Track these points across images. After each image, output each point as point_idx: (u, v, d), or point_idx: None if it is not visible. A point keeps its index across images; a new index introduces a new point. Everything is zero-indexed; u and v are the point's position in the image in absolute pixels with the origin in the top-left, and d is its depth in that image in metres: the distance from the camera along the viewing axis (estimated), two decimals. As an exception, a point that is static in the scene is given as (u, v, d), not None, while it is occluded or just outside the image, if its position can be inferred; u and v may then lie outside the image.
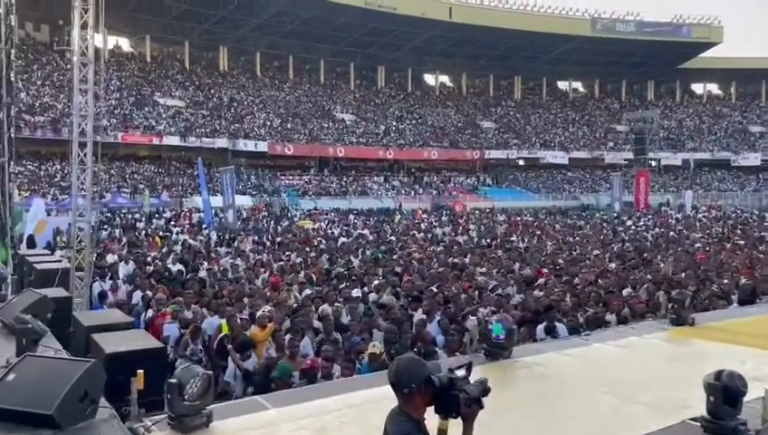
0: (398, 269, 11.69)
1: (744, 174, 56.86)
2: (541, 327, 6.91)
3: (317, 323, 7.28)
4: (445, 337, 6.57)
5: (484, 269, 11.46)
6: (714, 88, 68.15)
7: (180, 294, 8.58)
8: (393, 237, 19.54)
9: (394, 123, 53.71)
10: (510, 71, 62.15)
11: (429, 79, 63.86)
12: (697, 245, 17.15)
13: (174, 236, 19.58)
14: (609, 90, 66.90)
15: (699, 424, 2.80)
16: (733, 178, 56.79)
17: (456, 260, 13.15)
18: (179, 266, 12.08)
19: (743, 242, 17.79)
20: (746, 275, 10.71)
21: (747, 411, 2.78)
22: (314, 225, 24.35)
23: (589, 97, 66.76)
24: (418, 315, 7.39)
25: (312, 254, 14.39)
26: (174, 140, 41.19)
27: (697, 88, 68.23)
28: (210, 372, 3.27)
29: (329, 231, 22.05)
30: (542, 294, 8.83)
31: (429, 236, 20.49)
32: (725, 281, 9.67)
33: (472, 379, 2.21)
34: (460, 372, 2.20)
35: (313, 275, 10.84)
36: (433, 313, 7.33)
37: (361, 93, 57.03)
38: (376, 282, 9.85)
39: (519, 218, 29.66)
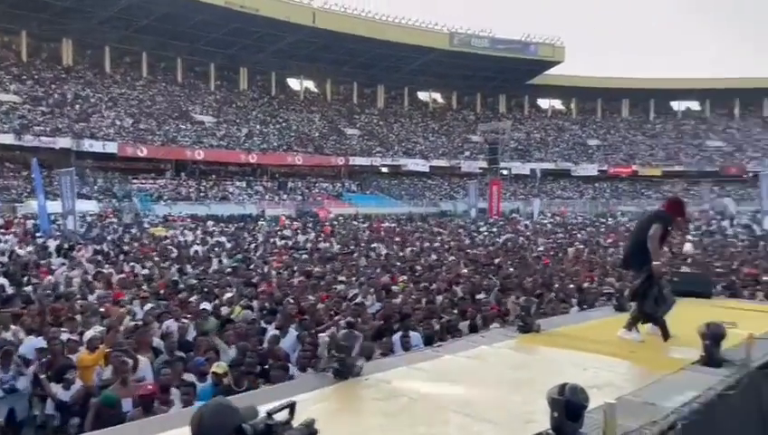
0: (255, 280, 11.15)
1: (583, 183, 62.32)
2: (396, 336, 6.84)
3: (158, 342, 6.63)
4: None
5: (344, 278, 11.26)
6: (557, 103, 74.25)
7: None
8: (252, 245, 18.83)
9: (257, 127, 52.46)
10: (373, 79, 63.28)
11: (294, 83, 63.26)
12: (540, 249, 18.28)
13: (1, 245, 17.43)
14: (465, 102, 70.41)
15: (543, 441, 2.72)
16: (573, 187, 62.00)
17: (317, 268, 12.84)
18: (2, 280, 10.65)
19: (582, 247, 19.24)
20: (587, 279, 11.46)
21: (588, 423, 2.75)
22: (168, 232, 22.90)
23: (447, 108, 69.78)
24: (272, 330, 7.01)
25: (164, 264, 13.40)
26: (7, 139, 37.02)
27: (543, 103, 73.92)
28: None
29: (181, 239, 20.77)
30: (399, 301, 8.81)
31: (292, 243, 20.05)
32: (571, 286, 10.26)
33: (297, 420, 1.91)
34: (280, 416, 1.87)
35: (159, 288, 10.02)
36: (287, 326, 6.97)
37: (222, 95, 55.10)
38: (229, 294, 9.28)
39: (382, 224, 30.05)
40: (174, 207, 37.11)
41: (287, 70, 59.96)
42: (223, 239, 20.45)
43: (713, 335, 4.21)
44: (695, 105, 73.35)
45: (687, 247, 16.14)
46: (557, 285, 10.41)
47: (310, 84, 64.06)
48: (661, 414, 3.17)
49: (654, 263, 5.16)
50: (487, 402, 3.43)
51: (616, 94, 70.21)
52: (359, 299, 8.86)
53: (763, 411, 4.27)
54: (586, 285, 10.50)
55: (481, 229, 28.00)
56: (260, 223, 30.37)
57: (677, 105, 73.73)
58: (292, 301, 8.44)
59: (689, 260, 14.83)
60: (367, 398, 3.52)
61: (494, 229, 28.35)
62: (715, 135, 68.45)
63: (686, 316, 5.70)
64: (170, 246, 17.57)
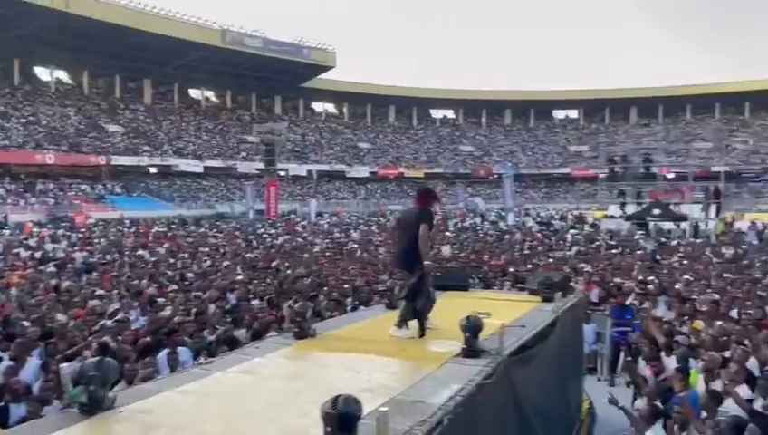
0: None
1: (356, 184, 65.25)
2: (163, 354, 6.26)
3: None
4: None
5: (102, 291, 10.10)
6: (330, 107, 76.69)
7: None
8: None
9: (-4, 120, 45.39)
10: (139, 73, 58.89)
11: (42, 73, 55.97)
12: (317, 250, 18.55)
13: None
14: (240, 101, 69.08)
15: (317, 458, 2.58)
16: (347, 188, 64.58)
17: (68, 282, 11.35)
18: None
19: (356, 246, 19.97)
20: (361, 277, 11.82)
21: (362, 431, 2.67)
22: None
23: (221, 107, 67.76)
24: (6, 360, 5.93)
25: None
26: None
27: (317, 106, 75.82)
28: None
29: None
30: (167, 313, 8.13)
31: (40, 254, 17.55)
32: (345, 286, 10.46)
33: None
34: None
35: None
36: (25, 354, 5.94)
37: (-49, 83, 46.64)
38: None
39: (151, 229, 27.92)
40: None
41: (34, 57, 52.82)
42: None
43: (472, 327, 4.48)
44: (450, 113, 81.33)
45: (445, 250, 17.62)
46: (333, 285, 10.56)
47: (62, 75, 57.26)
48: (430, 411, 3.24)
49: (426, 263, 5.38)
50: (259, 422, 3.19)
51: (383, 101, 74.92)
52: (120, 315, 7.96)
53: (515, 394, 4.68)
54: (359, 283, 10.80)
55: (259, 231, 27.57)
56: (3, 231, 26.25)
57: (436, 113, 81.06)
58: (32, 322, 7.25)
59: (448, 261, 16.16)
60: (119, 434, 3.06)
61: (272, 231, 28.13)
62: (468, 141, 76.63)
63: (449, 310, 6.10)
64: None
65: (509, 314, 6.25)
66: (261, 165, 51.19)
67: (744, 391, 5.48)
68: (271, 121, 60.85)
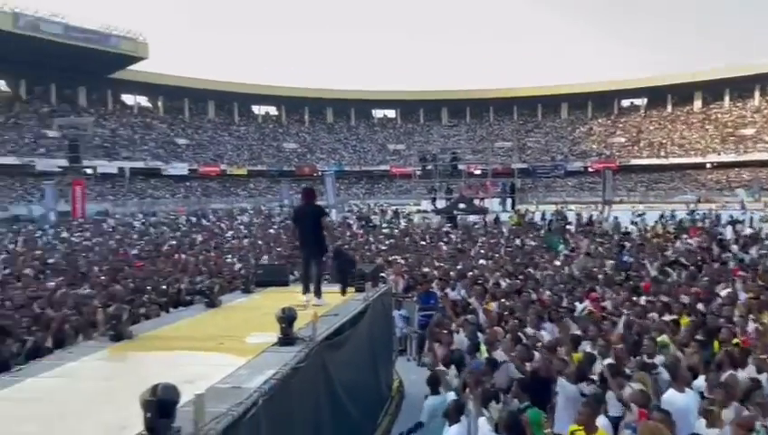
0: None
1: (175, 182, 62.31)
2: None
3: None
4: None
5: None
6: (144, 100, 72.18)
7: None
8: None
9: None
10: None
11: None
12: (134, 252, 17.76)
13: None
14: (37, 92, 62.30)
15: (138, 442, 2.83)
16: (165, 186, 61.42)
17: None
18: None
19: (175, 244, 19.37)
20: (180, 280, 11.66)
21: (181, 417, 2.94)
22: None
23: (15, 98, 60.62)
24: None
25: None
26: None
27: (129, 99, 70.99)
28: None
29: None
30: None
31: None
32: (163, 287, 10.31)
33: None
34: None
35: None
36: None
37: None
38: None
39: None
40: None
41: None
42: None
43: (287, 318, 4.92)
44: (273, 110, 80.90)
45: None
46: (150, 288, 10.35)
47: None
48: (245, 395, 3.59)
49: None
50: (76, 419, 3.32)
51: (202, 95, 72.26)
52: None
53: (327, 376, 5.21)
54: (179, 284, 10.71)
55: (63, 235, 25.40)
56: None
57: (258, 109, 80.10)
58: None
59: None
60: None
61: (81, 233, 26.08)
62: (291, 138, 76.86)
63: (268, 304, 6.48)
64: None
65: (326, 305, 6.83)
66: (64, 162, 46.71)
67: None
68: (74, 114, 55.89)
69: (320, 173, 60.91)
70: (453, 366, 6.72)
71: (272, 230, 26.25)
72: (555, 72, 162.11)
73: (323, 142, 77.32)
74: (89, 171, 49.92)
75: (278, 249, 17.83)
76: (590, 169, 66.18)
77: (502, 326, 8.10)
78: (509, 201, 33.90)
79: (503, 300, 9.68)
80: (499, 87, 77.77)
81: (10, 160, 50.76)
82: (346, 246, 18.16)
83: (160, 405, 2.85)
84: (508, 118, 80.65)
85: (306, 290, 7.21)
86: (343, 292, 7.64)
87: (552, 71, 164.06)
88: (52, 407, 3.52)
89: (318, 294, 7.14)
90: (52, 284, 11.28)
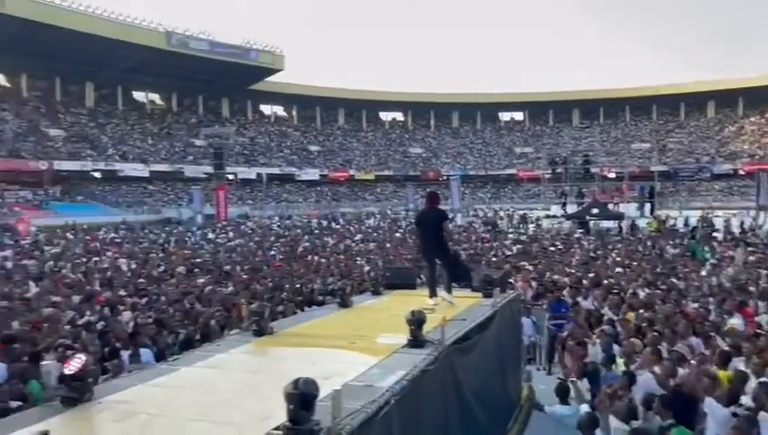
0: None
1: (307, 187, 65.26)
2: (125, 355, 6.54)
3: None
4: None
5: (58, 298, 10.16)
6: (279, 110, 76.31)
7: None
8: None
9: (-74, 125, 43.48)
10: (80, 75, 57.26)
11: (-23, 76, 53.86)
12: (271, 253, 18.81)
13: None
14: (186, 104, 68.00)
15: (281, 432, 3.00)
16: (298, 191, 64.51)
17: (20, 290, 11.33)
18: None
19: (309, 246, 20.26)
20: (313, 280, 12.19)
21: (320, 411, 3.08)
22: None
23: (167, 110, 66.59)
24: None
25: None
26: None
27: (266, 109, 75.36)
28: None
29: None
30: (128, 317, 8.35)
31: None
32: (298, 286, 10.84)
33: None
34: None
35: None
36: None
37: None
38: None
39: (97, 236, 27.44)
40: None
41: (-31, 60, 50.81)
42: None
43: (416, 321, 4.98)
44: (399, 116, 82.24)
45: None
46: (288, 286, 10.92)
47: (-1, 78, 55.28)
48: (378, 394, 3.70)
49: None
50: (227, 407, 3.59)
51: (332, 103, 75.06)
52: (84, 319, 8.15)
53: (456, 379, 5.21)
54: (312, 285, 11.19)
55: (209, 236, 27.50)
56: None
57: (385, 115, 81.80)
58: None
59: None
60: (102, 422, 3.41)
61: (224, 234, 28.10)
62: (416, 143, 77.67)
63: (397, 307, 6.60)
64: None
65: (452, 308, 6.82)
66: (209, 169, 50.68)
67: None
68: (218, 125, 60.32)
69: (445, 177, 60.91)
70: (585, 379, 6.45)
71: (398, 234, 26.68)
72: (698, 69, 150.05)
73: (449, 147, 77.34)
74: (231, 177, 53.66)
75: (404, 253, 18.08)
76: (740, 172, 60.59)
77: (640, 339, 7.64)
78: (647, 206, 31.86)
79: (641, 311, 9.12)
80: (636, 85, 73.45)
81: (163, 167, 55.81)
82: (471, 251, 18.05)
83: (302, 398, 3.00)
84: (646, 117, 75.96)
85: (433, 294, 7.25)
86: (447, 292, 7.54)
87: (694, 68, 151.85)
88: (205, 395, 3.83)
89: (448, 290, 7.31)
90: (201, 281, 12.26)
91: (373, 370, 4.32)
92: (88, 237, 26.36)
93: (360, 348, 5.04)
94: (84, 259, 17.63)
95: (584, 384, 6.39)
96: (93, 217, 40.39)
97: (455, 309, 6.88)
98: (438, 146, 77.44)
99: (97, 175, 52.08)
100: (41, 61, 52.46)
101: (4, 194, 43.88)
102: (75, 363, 3.59)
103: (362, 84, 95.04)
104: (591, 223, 28.69)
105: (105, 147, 54.10)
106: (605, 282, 12.14)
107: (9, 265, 16.38)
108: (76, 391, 3.53)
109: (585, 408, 5.57)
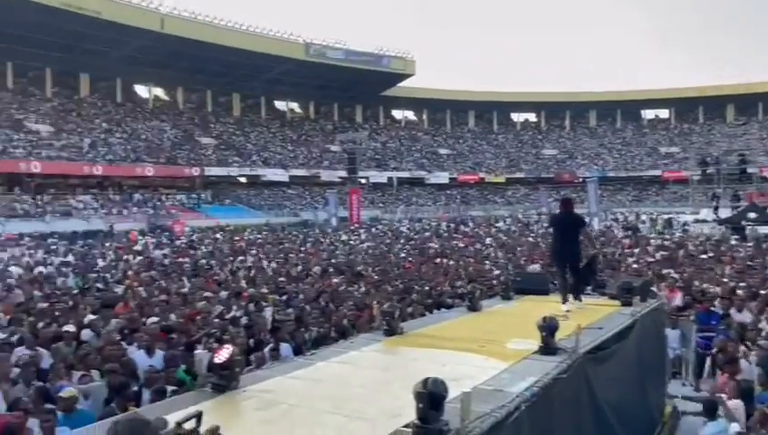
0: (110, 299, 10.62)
1: (436, 190, 65.53)
2: (266, 349, 6.97)
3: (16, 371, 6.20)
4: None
5: (209, 293, 11.07)
6: (410, 114, 77.39)
7: None
8: (102, 263, 17.76)
9: (101, 136, 49.11)
10: (228, 87, 61.87)
11: (141, 90, 59.99)
12: (402, 255, 19.11)
13: None
14: (322, 111, 71.07)
15: (410, 430, 3.06)
16: (427, 194, 64.97)
17: (177, 285, 12.47)
18: None
19: (438, 249, 20.34)
20: (442, 283, 12.25)
21: (449, 412, 3.11)
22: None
23: (305, 117, 70.01)
24: (135, 351, 6.84)
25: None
26: None
27: (397, 114, 76.75)
28: None
29: (23, 260, 19.01)
30: (271, 313, 8.91)
31: (146, 259, 19.12)
32: (427, 288, 10.94)
33: (203, 428, 2.10)
34: (189, 425, 2.06)
35: (4, 314, 9.25)
36: (153, 347, 6.83)
37: (60, 102, 50.91)
38: (91, 317, 8.80)
39: (243, 237, 29.49)
40: (8, 225, 33.69)
41: (134, 76, 56.79)
42: (70, 258, 19.03)
43: (548, 327, 4.85)
44: (532, 117, 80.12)
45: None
46: (417, 288, 11.07)
47: (159, 92, 61.17)
48: (508, 399, 3.65)
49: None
50: (360, 402, 3.73)
51: (463, 106, 74.83)
52: (231, 314, 8.83)
53: (591, 390, 5.00)
54: (441, 287, 11.24)
55: (342, 238, 28.53)
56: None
57: (517, 117, 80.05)
58: (155, 320, 8.22)
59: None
60: (247, 409, 3.69)
61: (357, 236, 29.02)
62: (550, 144, 75.20)
63: (528, 313, 6.46)
64: (12, 268, 16.06)
65: (587, 316, 6.54)
66: (343, 173, 52.64)
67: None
68: (352, 130, 62.37)
69: (581, 179, 58.40)
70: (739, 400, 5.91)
71: (530, 238, 26.02)
72: None
73: (585, 147, 74.03)
74: (363, 181, 55.30)
75: (536, 258, 17.58)
76: None
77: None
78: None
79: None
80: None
81: (301, 172, 58.74)
82: (608, 257, 17.18)
83: (431, 397, 3.05)
84: (815, 112, 67.90)
85: (566, 300, 7.09)
86: (574, 297, 7.40)
87: None
88: (340, 389, 4.01)
89: (577, 297, 7.26)
90: (335, 281, 12.77)
91: (503, 374, 4.28)
92: (236, 238, 28.40)
93: (489, 352, 5.01)
94: (231, 258, 19.01)
95: (738, 403, 5.85)
96: (239, 219, 43.47)
97: (590, 317, 6.59)
98: (574, 147, 74.42)
99: (242, 180, 55.96)
100: (194, 75, 57.49)
101: (162, 198, 48.52)
102: (224, 353, 3.92)
103: (493, 86, 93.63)
104: (748, 228, 26.15)
105: (249, 153, 57.98)
106: (762, 292, 11.01)
107: (167, 262, 18.13)
108: (225, 379, 3.85)
109: (735, 428, 5.10)
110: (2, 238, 28.08)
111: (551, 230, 8.29)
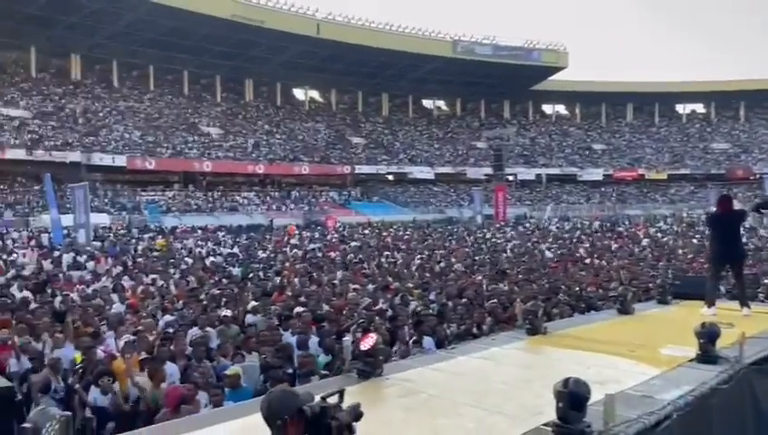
0: (270, 288, 11.51)
1: (589, 188, 62.48)
2: (410, 341, 7.17)
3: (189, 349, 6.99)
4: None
5: (357, 286, 11.59)
6: (561, 108, 74.44)
7: (28, 323, 7.85)
8: (263, 254, 19.23)
9: (264, 137, 53.03)
10: (378, 88, 63.69)
11: (299, 93, 63.83)
12: (549, 255, 18.54)
13: (20, 258, 17.87)
14: (469, 108, 70.68)
15: (550, 429, 3.04)
16: (579, 192, 62.16)
17: (328, 277, 13.19)
18: (26, 293, 11.04)
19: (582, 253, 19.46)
20: (591, 284, 11.74)
21: (591, 414, 3.04)
22: (165, 243, 23.26)
23: (451, 115, 70.12)
24: (289, 337, 7.37)
25: (177, 275, 13.80)
26: (19, 154, 37.65)
27: (547, 108, 74.17)
28: (69, 414, 3.01)
29: (196, 250, 21.18)
30: (414, 307, 9.14)
31: (302, 252, 20.39)
32: (576, 289, 10.56)
33: (345, 404, 2.28)
34: (332, 400, 2.25)
35: (178, 298, 10.40)
36: (308, 333, 7.33)
37: (228, 106, 55.74)
38: (254, 303, 9.65)
39: (389, 233, 30.31)
40: (183, 219, 37.64)
41: (292, 80, 60.55)
42: (236, 250, 20.86)
43: (708, 334, 4.51)
44: (699, 108, 73.51)
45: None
46: (563, 289, 10.72)
47: (315, 94, 64.66)
48: (658, 406, 3.47)
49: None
50: (499, 398, 3.75)
51: (620, 98, 70.50)
52: (379, 306, 9.21)
53: (756, 402, 4.57)
54: (590, 289, 10.79)
55: (487, 236, 28.26)
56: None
57: (682, 108, 73.84)
58: (308, 309, 8.79)
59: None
60: (389, 395, 3.86)
61: (500, 235, 28.61)
62: (721, 137, 68.53)
63: (687, 318, 6.03)
64: (187, 257, 17.99)
65: (755, 325, 5.96)
66: (489, 170, 52.06)
67: None
68: (500, 126, 61.43)
69: (757, 175, 52.60)
70: None
71: (694, 240, 23.97)
72: None
73: (763, 140, 66.42)
74: (510, 178, 54.28)
75: (701, 260, 16.19)
76: None
77: None
78: None
79: None
80: None
81: (446, 169, 58.95)
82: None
83: (572, 397, 2.99)
84: None
85: (711, 304, 6.69)
86: (742, 305, 6.80)
87: None
88: (480, 384, 4.06)
89: (745, 304, 6.78)
90: (479, 278, 12.74)
91: (654, 380, 4.07)
92: (384, 234, 29.27)
93: (639, 357, 4.78)
94: (378, 253, 19.66)
95: None
96: (386, 216, 44.78)
97: (760, 326, 6.00)
98: (749, 140, 67.14)
99: (390, 177, 57.46)
100: (347, 77, 59.98)
101: (316, 195, 51.32)
102: (369, 341, 4.13)
103: (654, 77, 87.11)
104: None
105: (397, 152, 59.37)
106: None
107: (320, 255, 19.20)
108: (369, 366, 4.06)
109: None
110: (179, 231, 31.47)
111: (713, 229, 7.71)
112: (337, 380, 4.29)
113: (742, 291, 7.04)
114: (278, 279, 12.84)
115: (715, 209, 8.16)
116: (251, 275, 13.83)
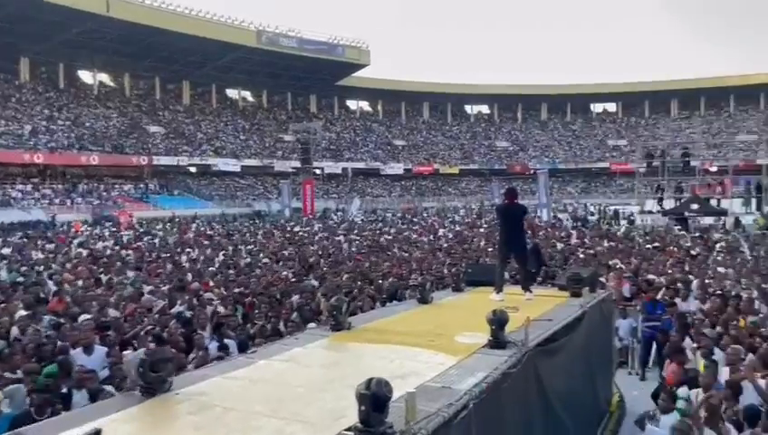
0: (42, 295, 10.08)
1: (391, 181, 65.51)
2: (213, 346, 6.68)
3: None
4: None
5: (151, 287, 10.63)
6: (365, 105, 76.97)
7: None
8: (41, 256, 16.95)
9: (43, 123, 47.08)
10: (177, 74, 60.15)
11: (86, 76, 57.76)
12: (353, 249, 18.89)
13: None
14: (276, 101, 69.91)
15: (352, 434, 2.89)
16: (382, 185, 64.89)
17: (117, 278, 11.95)
18: None
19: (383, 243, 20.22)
20: (394, 275, 12.11)
21: (394, 412, 2.94)
22: None
23: (258, 107, 68.74)
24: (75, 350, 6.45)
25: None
26: None
27: (352, 104, 76.23)
28: None
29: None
30: (212, 308, 8.57)
31: (87, 252, 18.33)
32: (380, 281, 10.78)
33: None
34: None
35: None
36: (92, 343, 6.46)
37: (-1, 88, 48.56)
38: (22, 312, 8.30)
39: (190, 228, 28.72)
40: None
41: (77, 61, 54.66)
42: (6, 251, 18.10)
43: (498, 321, 4.74)
44: (485, 109, 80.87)
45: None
46: (366, 280, 10.90)
47: (104, 78, 59.04)
48: (456, 396, 3.51)
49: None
50: (300, 403, 3.52)
51: (418, 97, 74.87)
52: (175, 309, 8.46)
53: (541, 383, 4.93)
54: (392, 279, 11.11)
55: (295, 229, 28.11)
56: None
57: (470, 109, 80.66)
58: (90, 316, 7.79)
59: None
60: (179, 413, 3.43)
61: (308, 229, 28.65)
62: (503, 136, 76.11)
63: (478, 305, 6.37)
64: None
65: (537, 308, 6.49)
66: (297, 163, 51.94)
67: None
68: (306, 120, 61.57)
69: (532, 171, 59.33)
70: (685, 386, 5.96)
71: (482, 229, 26.18)
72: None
73: (536, 140, 75.28)
74: (317, 172, 54.75)
75: (488, 249, 17.66)
76: None
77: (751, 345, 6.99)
78: (753, 202, 29.58)
79: (748, 316, 8.38)
80: (742, 73, 68.30)
81: (253, 162, 57.70)
82: (560, 246, 17.39)
83: (374, 399, 2.87)
84: (753, 107, 70.68)
85: (499, 290, 7.19)
86: (525, 290, 7.43)
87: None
88: (280, 390, 3.79)
89: (527, 289, 7.33)
90: (285, 274, 12.48)
91: (451, 371, 4.14)
92: (183, 229, 27.60)
93: (438, 347, 4.87)
94: (178, 250, 18.42)
95: (684, 392, 5.90)
96: (189, 210, 42.40)
97: (539, 309, 6.55)
98: (526, 139, 75.58)
99: (192, 169, 54.61)
100: (142, 61, 55.63)
101: (108, 188, 46.89)
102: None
103: (448, 78, 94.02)
104: (691, 220, 27.00)
105: (200, 142, 56.63)
106: (706, 282, 11.30)
107: (108, 253, 17.42)
108: (154, 382, 3.58)
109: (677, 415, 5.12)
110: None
111: (501, 220, 8.18)
112: (115, 401, 3.73)
113: (524, 277, 7.57)
114: (51, 283, 11.31)
115: (500, 201, 8.75)
116: (22, 279, 12.02)
